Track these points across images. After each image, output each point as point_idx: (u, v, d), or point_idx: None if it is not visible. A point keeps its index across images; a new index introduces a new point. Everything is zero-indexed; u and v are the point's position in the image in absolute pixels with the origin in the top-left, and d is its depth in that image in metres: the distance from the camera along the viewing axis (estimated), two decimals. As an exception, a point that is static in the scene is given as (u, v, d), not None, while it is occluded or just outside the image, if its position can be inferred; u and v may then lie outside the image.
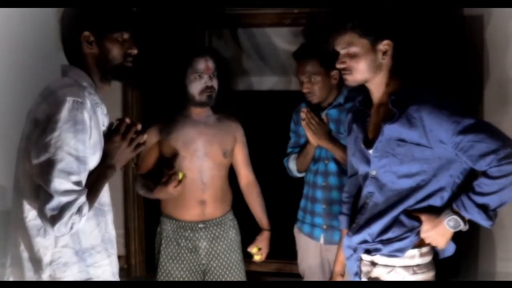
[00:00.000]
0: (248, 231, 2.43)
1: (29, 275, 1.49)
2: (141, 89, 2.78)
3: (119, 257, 2.91)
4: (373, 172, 1.72)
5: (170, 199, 2.30)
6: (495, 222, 1.59)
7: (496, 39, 2.39)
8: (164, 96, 2.45)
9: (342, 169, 2.21)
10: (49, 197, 1.37)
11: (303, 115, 2.21)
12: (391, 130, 1.65)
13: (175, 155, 2.25)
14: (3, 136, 2.64)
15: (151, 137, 2.28)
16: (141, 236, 2.75)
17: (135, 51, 1.60)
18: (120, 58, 1.57)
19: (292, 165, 2.37)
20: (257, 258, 2.33)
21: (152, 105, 2.68)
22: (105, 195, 1.61)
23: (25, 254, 1.49)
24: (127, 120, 1.60)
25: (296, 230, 2.42)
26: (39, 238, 1.48)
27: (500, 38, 2.39)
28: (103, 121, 1.58)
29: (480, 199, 1.56)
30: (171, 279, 2.27)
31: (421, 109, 1.60)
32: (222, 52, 2.99)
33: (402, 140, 1.63)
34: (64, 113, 1.40)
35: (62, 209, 1.37)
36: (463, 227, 1.61)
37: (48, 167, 1.38)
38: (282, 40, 2.95)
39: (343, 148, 2.14)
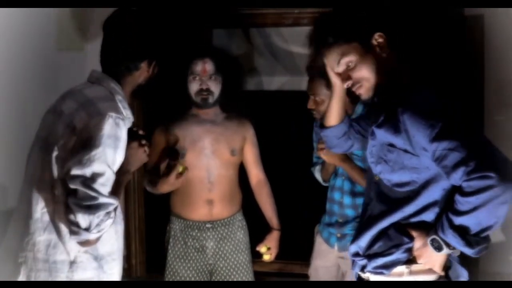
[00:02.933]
0: (259, 231, 2.42)
1: (44, 275, 1.47)
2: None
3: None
4: (376, 178, 1.58)
5: (178, 198, 2.31)
6: (481, 250, 1.36)
7: (496, 39, 2.39)
8: (167, 95, 2.45)
9: (355, 189, 2.20)
10: (87, 208, 1.40)
11: (321, 145, 2.12)
12: (380, 134, 1.52)
13: (181, 150, 2.25)
14: (2, 136, 2.64)
15: (160, 138, 2.29)
16: (141, 237, 2.74)
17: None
18: (150, 83, 1.67)
19: (318, 175, 2.38)
20: (266, 257, 2.33)
21: (155, 103, 2.68)
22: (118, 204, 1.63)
23: (40, 255, 1.47)
24: (141, 131, 1.66)
25: (316, 231, 2.43)
26: (64, 239, 1.47)
27: (500, 38, 2.39)
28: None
29: (456, 219, 1.35)
30: (178, 278, 2.27)
31: (404, 110, 1.42)
32: (230, 51, 2.98)
33: (392, 145, 1.48)
34: (107, 128, 1.43)
35: (98, 221, 1.42)
36: (447, 251, 1.40)
37: (91, 179, 1.40)
38: (293, 40, 2.94)
39: (357, 168, 2.12)
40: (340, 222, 2.25)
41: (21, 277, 1.48)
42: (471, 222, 1.34)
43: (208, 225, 2.27)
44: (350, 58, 1.51)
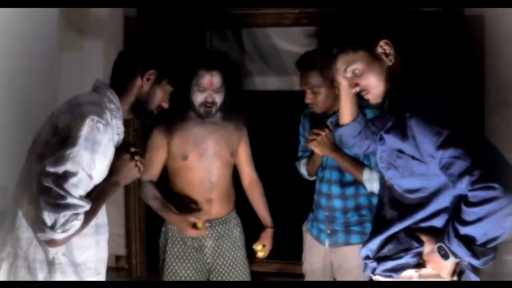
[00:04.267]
0: (250, 229, 2.43)
1: (23, 272, 1.49)
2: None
3: (121, 258, 2.93)
4: (388, 183, 1.58)
5: (177, 199, 2.30)
6: (488, 261, 1.33)
7: (496, 39, 2.39)
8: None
9: (344, 179, 2.20)
10: (54, 206, 1.39)
11: (312, 136, 2.15)
12: (389, 139, 1.49)
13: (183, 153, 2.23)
14: (3, 136, 2.64)
15: (159, 139, 2.27)
16: (142, 236, 2.74)
17: (166, 106, 1.70)
18: (154, 105, 1.67)
19: (303, 169, 2.38)
20: (260, 254, 2.34)
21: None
22: (104, 215, 1.64)
23: (21, 252, 1.49)
24: (133, 149, 1.65)
25: (304, 229, 2.42)
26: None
27: (500, 38, 2.39)
28: (118, 143, 1.61)
29: (462, 229, 1.32)
30: (177, 278, 2.27)
31: (411, 116, 1.39)
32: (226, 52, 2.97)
33: (400, 151, 1.45)
34: (86, 130, 1.43)
35: (64, 220, 1.40)
36: (453, 259, 1.37)
37: (62, 178, 1.40)
38: (286, 40, 2.94)
39: (347, 157, 2.13)
40: (328, 216, 2.24)
41: (2, 272, 1.51)
42: (476, 232, 1.30)
43: (207, 224, 2.28)
44: (356, 66, 1.50)
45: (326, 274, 2.31)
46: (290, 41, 2.92)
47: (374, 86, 1.50)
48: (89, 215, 1.48)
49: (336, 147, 2.15)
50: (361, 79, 1.51)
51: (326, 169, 2.25)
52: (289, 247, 2.57)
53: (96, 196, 1.50)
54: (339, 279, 2.25)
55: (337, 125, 1.88)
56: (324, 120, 2.22)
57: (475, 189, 1.27)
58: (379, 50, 1.49)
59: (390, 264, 1.51)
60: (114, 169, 1.56)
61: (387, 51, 1.49)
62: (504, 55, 2.38)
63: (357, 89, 1.53)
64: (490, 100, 2.40)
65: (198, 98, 2.20)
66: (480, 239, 1.31)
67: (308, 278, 2.39)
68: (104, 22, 2.74)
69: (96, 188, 1.51)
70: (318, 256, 2.31)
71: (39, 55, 2.67)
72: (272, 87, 3.10)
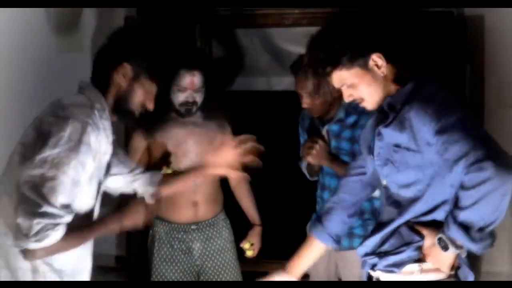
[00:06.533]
0: (240, 230, 2.42)
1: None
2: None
3: (121, 258, 2.93)
4: (384, 182, 1.59)
5: (162, 201, 2.28)
6: (486, 247, 1.36)
7: (496, 39, 2.39)
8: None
9: None
10: (30, 214, 1.29)
11: (307, 151, 2.15)
12: (387, 134, 1.52)
13: (165, 156, 2.21)
14: (3, 137, 2.64)
15: (138, 142, 2.25)
16: (142, 237, 2.74)
17: (151, 107, 1.59)
18: (135, 105, 1.56)
19: (305, 170, 2.38)
20: (249, 253, 2.34)
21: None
22: None
23: (3, 260, 1.41)
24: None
25: (308, 228, 2.42)
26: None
27: (500, 38, 2.39)
28: (106, 149, 1.52)
29: (460, 215, 1.35)
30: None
31: (410, 108, 1.45)
32: (215, 51, 2.95)
33: (397, 146, 1.49)
34: (69, 132, 1.35)
35: (38, 228, 1.29)
36: (453, 250, 1.38)
37: (39, 184, 1.31)
38: (279, 40, 2.93)
39: (344, 165, 2.12)
40: None
41: None
42: (474, 217, 1.34)
43: (194, 227, 2.27)
44: (351, 82, 1.52)
45: (330, 274, 2.31)
46: (286, 41, 2.91)
47: (369, 96, 1.53)
48: (76, 237, 1.38)
49: (334, 157, 2.14)
50: (355, 91, 1.53)
51: (326, 176, 2.26)
52: (289, 247, 2.56)
53: (95, 223, 1.43)
54: (343, 279, 2.25)
55: None
56: (320, 128, 2.21)
57: (470, 171, 1.32)
58: (371, 63, 1.50)
59: (392, 259, 1.52)
60: (126, 211, 1.53)
61: (379, 64, 1.50)
62: (504, 55, 2.39)
63: (350, 99, 1.56)
64: (490, 100, 2.40)
65: (179, 97, 2.19)
66: (478, 224, 1.34)
67: (312, 278, 2.38)
68: (104, 22, 2.74)
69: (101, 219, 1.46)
70: (322, 256, 2.31)
71: (38, 56, 2.67)
72: (261, 87, 3.10)
